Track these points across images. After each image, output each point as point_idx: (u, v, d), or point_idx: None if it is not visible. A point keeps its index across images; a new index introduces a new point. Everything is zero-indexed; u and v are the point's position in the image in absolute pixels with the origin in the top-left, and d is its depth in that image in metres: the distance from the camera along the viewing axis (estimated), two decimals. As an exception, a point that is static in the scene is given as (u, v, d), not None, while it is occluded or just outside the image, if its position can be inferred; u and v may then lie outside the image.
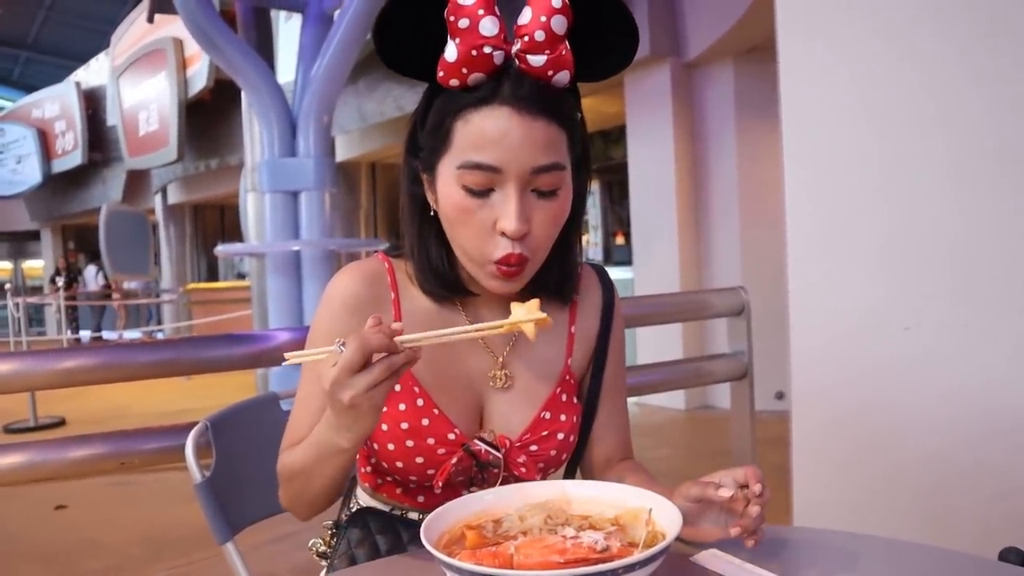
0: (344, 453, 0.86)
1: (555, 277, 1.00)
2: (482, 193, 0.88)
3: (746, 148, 5.22)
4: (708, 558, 0.83)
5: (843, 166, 1.85)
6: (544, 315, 0.82)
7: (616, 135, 6.87)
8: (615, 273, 5.99)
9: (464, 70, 0.85)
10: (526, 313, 0.83)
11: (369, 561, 1.00)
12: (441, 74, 0.87)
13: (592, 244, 7.25)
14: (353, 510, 1.07)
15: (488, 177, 0.87)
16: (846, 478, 1.86)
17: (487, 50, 0.85)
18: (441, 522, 0.79)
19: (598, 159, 7.56)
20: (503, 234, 0.88)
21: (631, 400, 4.98)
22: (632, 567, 0.66)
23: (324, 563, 1.07)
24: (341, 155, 8.73)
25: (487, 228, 0.89)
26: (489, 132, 0.86)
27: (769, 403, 4.45)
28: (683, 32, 5.30)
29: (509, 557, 0.70)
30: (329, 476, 0.91)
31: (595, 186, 7.32)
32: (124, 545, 3.25)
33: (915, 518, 1.76)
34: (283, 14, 6.14)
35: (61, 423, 6.00)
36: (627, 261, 6.03)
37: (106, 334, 13.91)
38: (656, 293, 3.91)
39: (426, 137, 0.92)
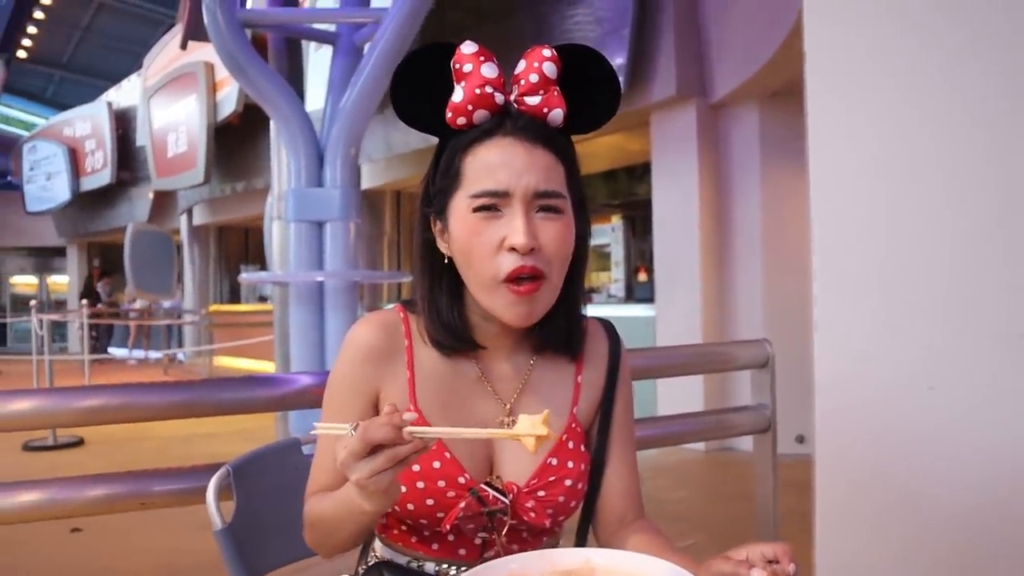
0: (367, 515, 0.91)
1: (562, 328, 1.05)
2: (491, 216, 0.96)
3: (770, 190, 5.22)
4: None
5: (870, 220, 1.84)
6: (547, 431, 0.84)
7: (640, 172, 6.88)
8: (637, 311, 6.03)
9: (469, 107, 0.96)
10: (530, 426, 0.85)
11: (386, 616, 1.02)
12: (450, 115, 0.97)
13: (614, 280, 7.22)
14: (370, 563, 1.09)
15: (497, 201, 0.95)
16: (871, 537, 1.83)
17: (489, 90, 0.95)
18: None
19: (621, 194, 7.58)
20: (512, 250, 0.94)
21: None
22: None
23: (342, 619, 1.08)
24: (366, 183, 8.80)
25: (496, 246, 0.95)
26: (495, 160, 0.96)
27: (790, 447, 4.39)
28: (710, 73, 5.33)
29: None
30: (352, 531, 0.96)
31: (618, 221, 7.31)
32: (139, 572, 3.25)
33: (940, 580, 1.73)
34: (313, 43, 6.23)
35: (80, 443, 6.04)
36: (649, 299, 6.02)
37: (122, 352, 14.02)
38: (679, 344, 3.89)
39: (439, 180, 1.00)
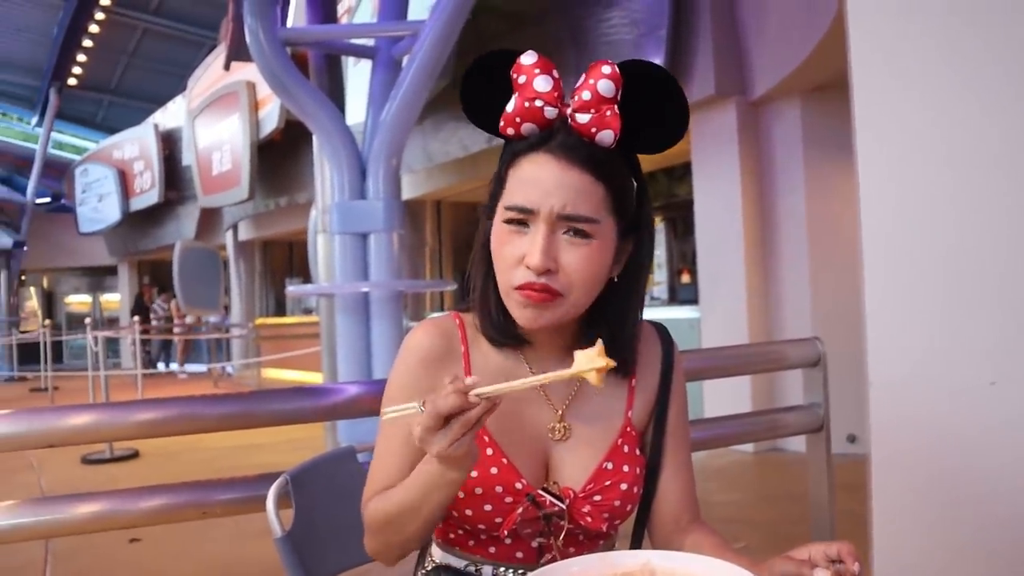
0: (451, 485, 0.92)
1: (606, 339, 0.99)
2: (518, 230, 0.97)
3: (814, 187, 5.14)
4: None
5: (923, 211, 1.81)
6: (604, 362, 0.86)
7: (680, 172, 6.84)
8: (682, 312, 5.98)
9: (518, 119, 0.96)
10: (587, 361, 0.86)
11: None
12: (501, 124, 0.97)
13: (657, 283, 7.18)
14: (428, 568, 1.10)
15: (524, 217, 0.96)
16: (930, 538, 1.79)
17: (539, 104, 0.94)
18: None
19: (662, 196, 7.53)
20: (527, 267, 0.95)
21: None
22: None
23: (403, 624, 1.09)
24: (407, 193, 8.84)
25: (516, 259, 0.97)
26: (529, 175, 0.96)
27: (841, 446, 4.33)
28: (749, 70, 5.27)
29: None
30: (431, 512, 0.95)
31: (659, 223, 7.26)
32: (196, 582, 3.31)
33: (1005, 580, 1.69)
34: (352, 58, 6.31)
35: (135, 455, 6.18)
36: (693, 300, 5.97)
37: (174, 367, 14.34)
38: (728, 345, 3.85)
39: (494, 184, 1.02)
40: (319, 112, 4.32)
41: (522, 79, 0.95)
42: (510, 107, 0.96)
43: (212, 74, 11.86)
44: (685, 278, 6.90)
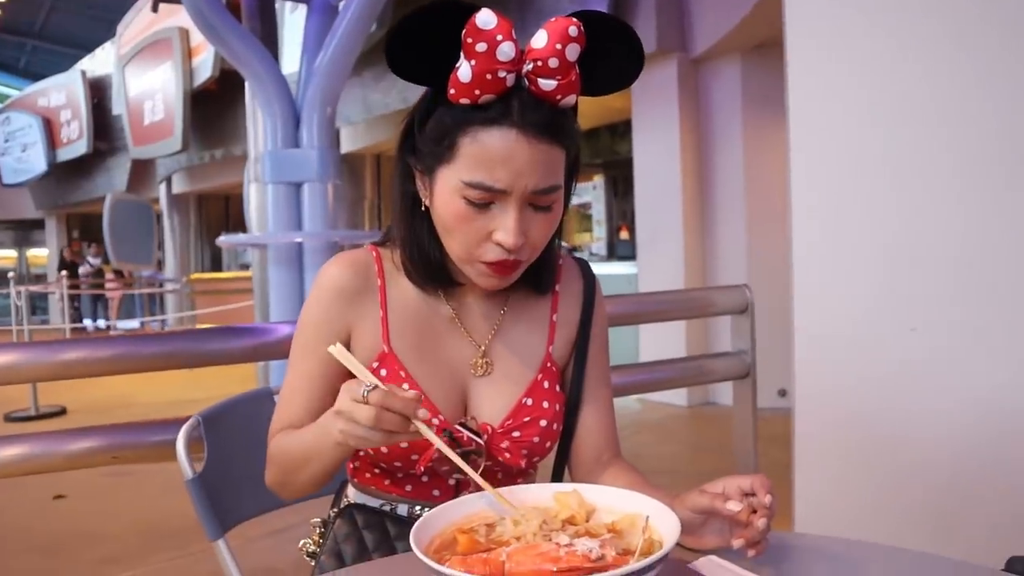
0: (340, 448, 0.88)
1: (534, 267, 1.01)
2: (482, 206, 0.90)
3: (753, 144, 5.19)
4: (706, 564, 0.81)
5: (850, 165, 1.83)
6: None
7: (622, 129, 6.84)
8: (619, 268, 6.01)
9: (477, 91, 0.86)
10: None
11: (356, 556, 1.02)
12: (452, 91, 0.87)
13: (596, 239, 7.21)
14: (342, 506, 1.08)
15: (491, 196, 0.90)
16: (849, 481, 1.84)
17: (501, 74, 0.85)
18: (433, 525, 0.77)
19: (604, 154, 7.54)
20: (499, 244, 0.91)
21: (633, 396, 4.90)
22: (627, 576, 0.64)
23: (315, 563, 1.07)
24: (346, 147, 8.70)
25: (482, 235, 0.92)
26: (496, 153, 0.88)
27: (772, 400, 4.43)
28: (690, 27, 5.26)
29: (500, 564, 0.68)
30: (324, 465, 0.92)
31: (600, 180, 7.28)
32: (122, 535, 3.25)
33: (920, 523, 1.74)
34: (288, 4, 6.11)
35: (62, 412, 6.00)
36: (631, 256, 6.01)
37: (104, 323, 13.98)
38: (660, 290, 3.88)
39: (426, 142, 0.93)
40: (251, 57, 4.18)
41: (482, 47, 0.83)
42: (465, 75, 0.85)
43: (143, 19, 11.39)
44: (624, 235, 6.94)
